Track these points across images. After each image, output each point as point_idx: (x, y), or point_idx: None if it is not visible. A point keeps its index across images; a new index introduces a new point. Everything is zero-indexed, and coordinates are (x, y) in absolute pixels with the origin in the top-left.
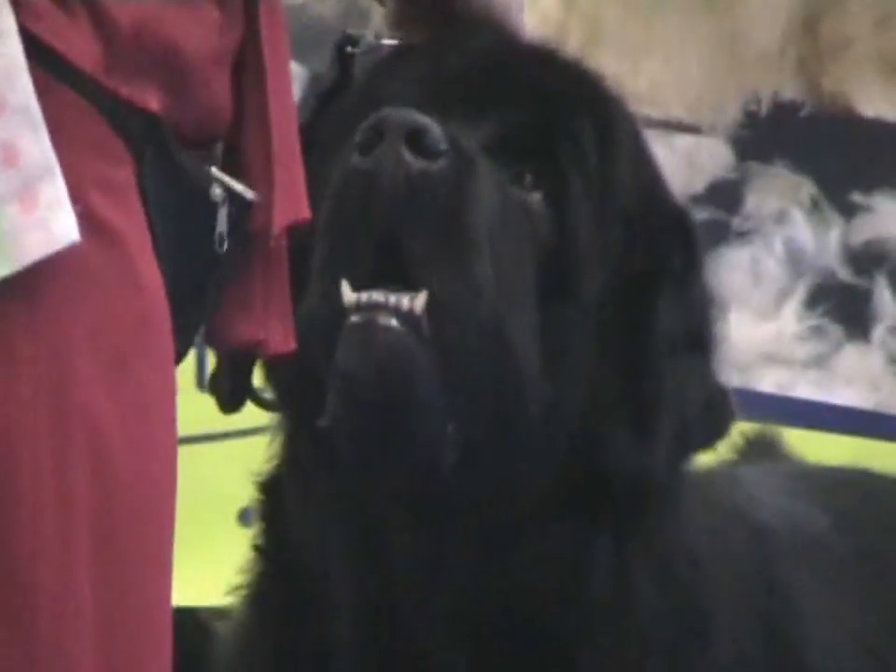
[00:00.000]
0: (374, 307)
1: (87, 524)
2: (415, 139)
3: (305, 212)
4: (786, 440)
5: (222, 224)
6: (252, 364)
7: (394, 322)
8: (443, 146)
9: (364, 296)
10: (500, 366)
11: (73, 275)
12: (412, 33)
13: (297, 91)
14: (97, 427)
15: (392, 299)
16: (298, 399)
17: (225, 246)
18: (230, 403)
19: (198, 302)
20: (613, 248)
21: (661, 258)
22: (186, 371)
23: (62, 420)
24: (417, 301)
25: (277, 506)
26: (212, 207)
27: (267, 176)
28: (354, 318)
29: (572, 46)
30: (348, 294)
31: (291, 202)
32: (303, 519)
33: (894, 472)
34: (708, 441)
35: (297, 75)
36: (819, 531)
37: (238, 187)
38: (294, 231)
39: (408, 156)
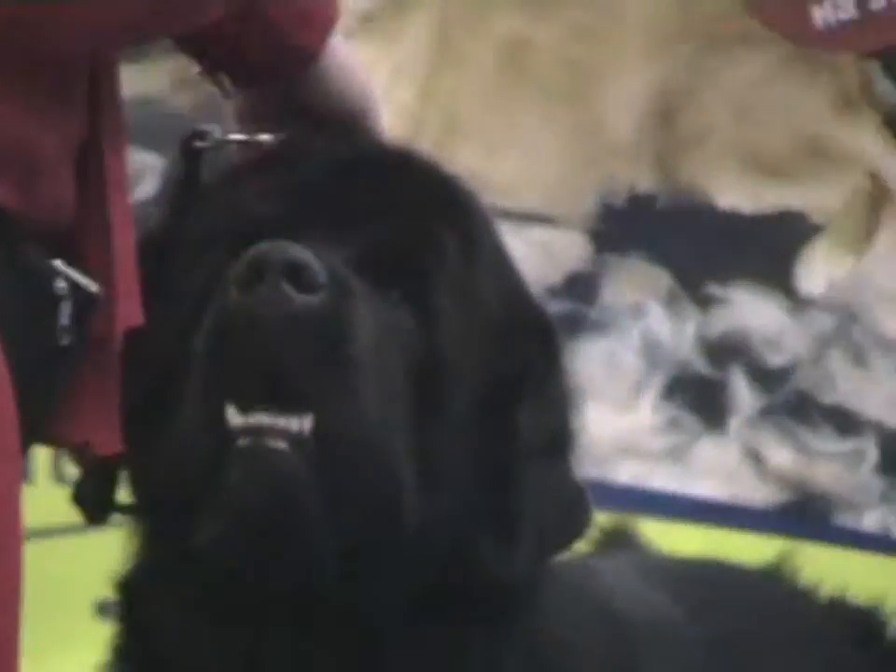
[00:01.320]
0: (263, 430)
1: None
2: (295, 274)
3: (140, 316)
4: (642, 531)
5: (65, 318)
6: (115, 475)
7: (283, 445)
8: (322, 279)
9: (252, 419)
10: (380, 481)
11: None
12: (261, 128)
13: (153, 181)
14: None
15: (281, 421)
16: (169, 512)
17: (67, 340)
18: (95, 515)
19: (42, 398)
20: (479, 355)
21: (523, 363)
22: (42, 463)
23: None
24: (305, 424)
25: (137, 606)
26: (55, 300)
27: (107, 278)
28: (242, 442)
29: (429, 137)
30: (235, 417)
31: (131, 303)
32: (166, 623)
33: (749, 563)
34: (567, 542)
35: (153, 165)
36: (673, 620)
37: (81, 280)
38: (150, 341)
39: (289, 291)
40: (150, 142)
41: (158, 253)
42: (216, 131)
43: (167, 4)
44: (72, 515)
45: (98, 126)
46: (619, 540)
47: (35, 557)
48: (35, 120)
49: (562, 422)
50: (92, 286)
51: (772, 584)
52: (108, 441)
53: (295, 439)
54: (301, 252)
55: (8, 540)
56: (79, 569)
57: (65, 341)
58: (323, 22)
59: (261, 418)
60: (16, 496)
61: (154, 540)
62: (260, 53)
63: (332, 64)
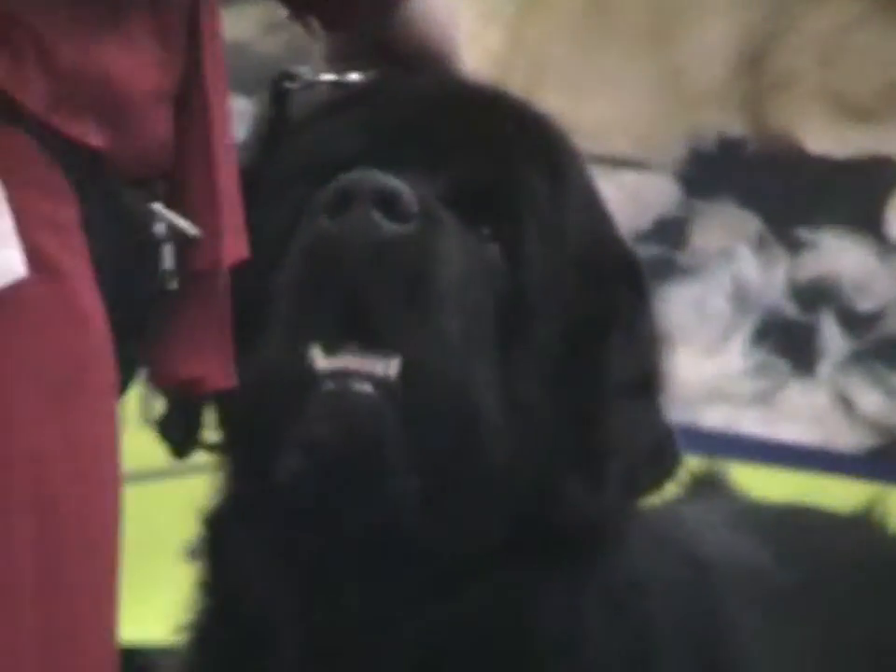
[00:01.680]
0: (348, 374)
1: (30, 563)
2: (387, 203)
3: (247, 251)
4: (731, 476)
5: (168, 261)
6: (202, 408)
7: (368, 389)
8: (414, 208)
9: (338, 362)
10: (467, 423)
11: (16, 311)
12: (349, 69)
13: (244, 126)
14: (41, 464)
15: (367, 364)
16: (251, 447)
17: (173, 283)
18: (180, 448)
19: (140, 338)
20: (566, 295)
21: (611, 302)
22: (130, 409)
23: (4, 459)
24: (391, 367)
25: (221, 542)
26: (155, 244)
27: (212, 214)
28: (328, 385)
29: (517, 82)
30: (320, 359)
31: (238, 239)
32: (249, 559)
33: (838, 508)
34: (655, 484)
35: (244, 110)
36: (760, 565)
37: (182, 223)
38: (238, 274)
39: (379, 220)
40: (241, 86)
41: (247, 190)
42: (305, 72)
43: None
44: (162, 459)
45: (199, 63)
46: (707, 485)
47: (127, 501)
48: (128, 58)
49: (650, 362)
50: (192, 229)
51: (860, 530)
52: (223, 374)
53: (381, 382)
54: (391, 181)
55: (106, 488)
56: (170, 513)
57: (171, 284)
58: None
59: (347, 360)
60: (114, 441)
61: (237, 476)
62: None
63: (418, 7)
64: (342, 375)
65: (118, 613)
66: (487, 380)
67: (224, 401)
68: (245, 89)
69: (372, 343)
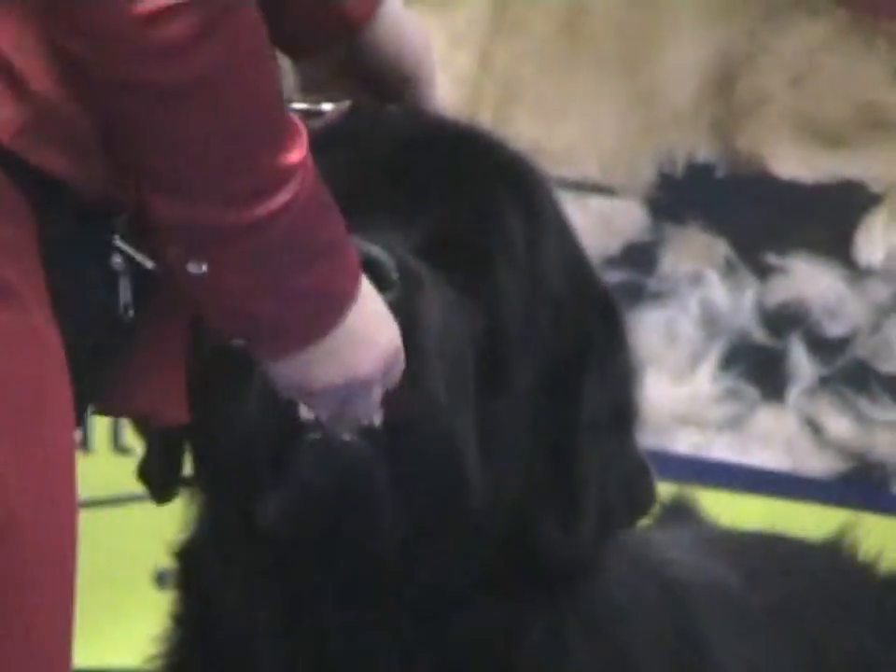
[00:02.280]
0: (334, 423)
1: None
2: (367, 272)
3: None
4: (701, 502)
5: (125, 293)
6: (182, 453)
7: (353, 437)
8: (394, 276)
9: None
10: (448, 468)
11: None
12: (322, 97)
13: None
14: None
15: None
16: (229, 486)
17: (130, 315)
18: (162, 493)
19: (95, 368)
20: (543, 337)
21: (586, 339)
22: (101, 432)
23: None
24: (376, 418)
25: (196, 575)
26: (113, 275)
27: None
28: (313, 434)
29: (486, 105)
30: (306, 411)
31: None
32: (226, 591)
33: (808, 533)
34: (632, 518)
35: None
36: (731, 587)
37: (138, 257)
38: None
39: None
40: None
41: None
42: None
43: None
44: (131, 484)
45: None
46: (677, 512)
47: (94, 526)
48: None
49: (626, 397)
50: (149, 263)
51: (831, 557)
52: (174, 410)
53: (365, 430)
54: (373, 250)
55: (62, 510)
56: (138, 538)
57: (128, 317)
58: None
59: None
60: (71, 465)
61: (216, 512)
62: (307, 21)
63: (388, 29)
64: (327, 424)
65: (72, 638)
66: (468, 428)
67: (203, 440)
68: None
69: None
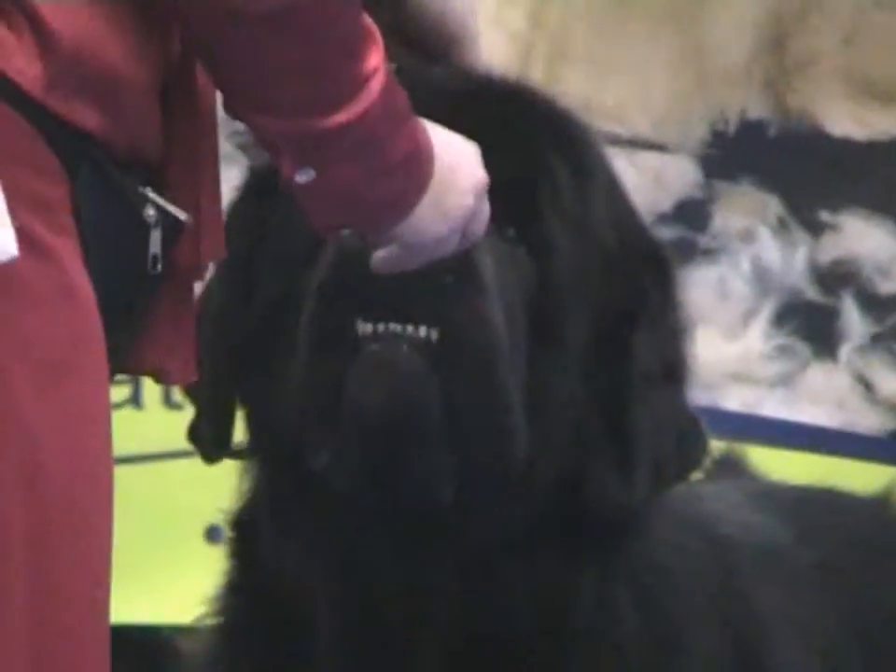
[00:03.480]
0: (392, 337)
1: (21, 536)
2: None
3: (224, 249)
4: (752, 458)
5: (156, 245)
6: (232, 415)
7: (409, 349)
8: None
9: (381, 326)
10: (496, 403)
11: (6, 290)
12: None
13: None
14: (31, 439)
15: (409, 329)
16: (284, 445)
17: (159, 268)
18: (212, 454)
19: (128, 322)
20: (594, 290)
21: (638, 293)
22: (152, 389)
23: None
24: (433, 334)
25: (251, 543)
26: (144, 228)
27: (193, 207)
28: (372, 346)
29: (538, 63)
30: (363, 325)
31: (216, 236)
32: (285, 557)
33: (858, 491)
34: (684, 471)
35: None
36: (781, 544)
37: (171, 208)
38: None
39: None
40: None
41: (266, 189)
42: None
43: None
44: (182, 440)
45: (191, 59)
46: (728, 468)
47: (145, 481)
48: (121, 49)
49: (676, 353)
50: (182, 214)
51: (879, 512)
52: (183, 370)
53: (422, 344)
54: None
55: (96, 465)
56: (190, 494)
57: (156, 269)
58: None
59: (390, 325)
60: (106, 421)
61: (270, 476)
62: None
63: None
64: (385, 337)
65: (109, 592)
66: (516, 368)
67: (255, 403)
68: None
69: (415, 316)
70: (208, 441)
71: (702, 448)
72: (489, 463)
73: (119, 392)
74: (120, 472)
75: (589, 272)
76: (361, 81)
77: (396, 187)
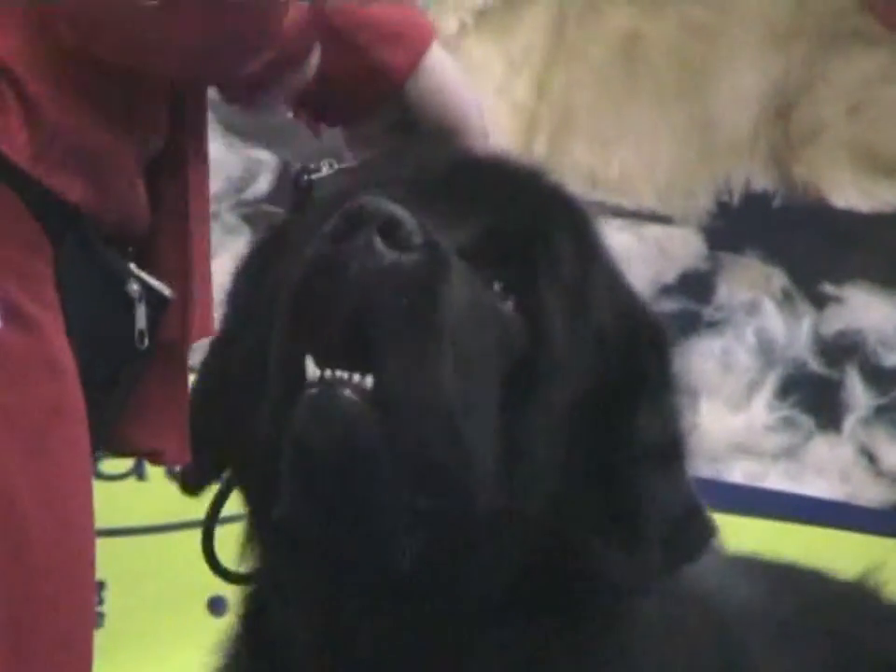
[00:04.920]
0: (335, 382)
1: (2, 606)
2: (389, 230)
3: (213, 327)
4: (751, 531)
5: (141, 321)
6: (214, 447)
7: (350, 394)
8: (417, 239)
9: (327, 372)
10: (452, 459)
11: None
12: (369, 149)
13: (269, 178)
14: (12, 506)
15: (356, 377)
16: (255, 488)
17: (146, 342)
18: (191, 484)
19: (114, 397)
20: (587, 361)
21: (638, 371)
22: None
23: None
24: (368, 380)
25: (248, 596)
26: (128, 302)
27: (182, 284)
28: (314, 390)
29: (543, 132)
30: (312, 369)
31: (206, 312)
32: (270, 607)
33: (861, 563)
34: (694, 550)
35: (268, 163)
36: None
37: (156, 283)
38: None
39: (380, 246)
40: (264, 140)
41: (275, 248)
42: (324, 165)
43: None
44: (185, 511)
45: (180, 138)
46: None
47: (148, 552)
48: (109, 130)
49: (676, 431)
50: (166, 290)
51: (858, 592)
52: (177, 449)
53: (364, 391)
54: (397, 209)
55: (79, 535)
56: (192, 565)
57: (143, 343)
58: (413, 43)
59: (336, 371)
60: (88, 491)
61: (252, 521)
62: (353, 87)
63: (429, 85)
64: (329, 383)
65: (91, 661)
66: (481, 424)
67: (234, 445)
68: (267, 142)
69: (358, 359)
70: (189, 472)
71: (709, 526)
72: (450, 516)
73: (121, 464)
74: (123, 544)
75: (581, 340)
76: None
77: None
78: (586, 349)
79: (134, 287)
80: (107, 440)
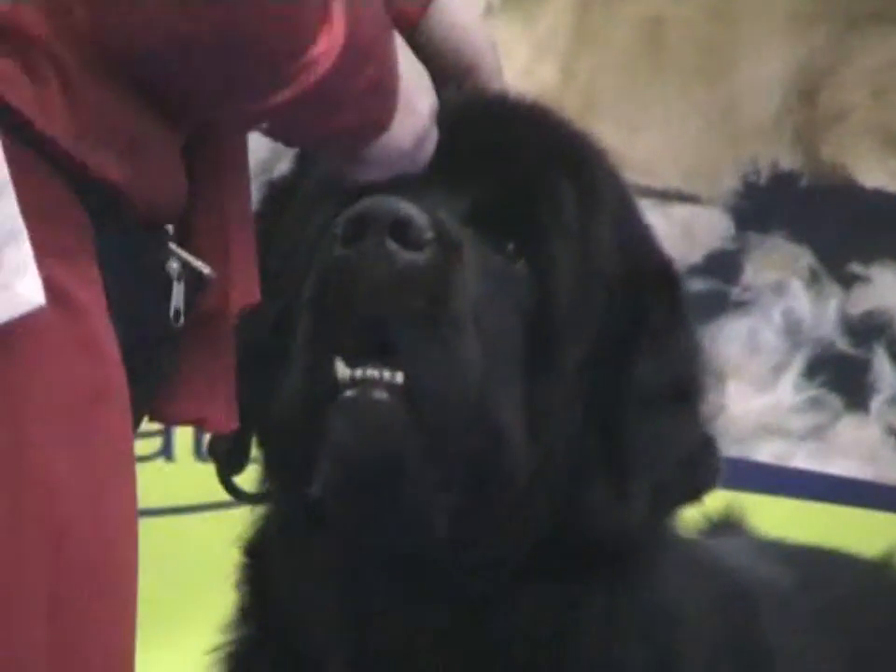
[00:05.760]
0: (368, 382)
1: (43, 590)
2: (400, 230)
3: (257, 294)
4: (780, 511)
5: (178, 299)
6: (250, 433)
7: (386, 396)
8: (428, 235)
9: (358, 372)
10: (486, 440)
11: (32, 341)
12: None
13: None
14: (53, 491)
15: (386, 374)
16: (287, 467)
17: (181, 322)
18: (229, 466)
19: (150, 375)
20: (595, 311)
21: (639, 313)
22: (184, 441)
23: (16, 483)
24: (398, 377)
25: (263, 569)
26: (167, 282)
27: (221, 257)
28: (348, 393)
29: (569, 115)
30: (342, 370)
31: (247, 283)
32: (292, 583)
33: (887, 543)
34: (690, 495)
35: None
36: (787, 591)
37: (195, 262)
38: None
39: (393, 248)
40: None
41: (282, 207)
42: None
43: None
44: (213, 492)
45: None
46: (726, 525)
47: (175, 534)
48: (142, 103)
49: (686, 372)
50: (205, 268)
51: (879, 573)
52: (223, 418)
53: (396, 390)
54: (406, 208)
55: (120, 518)
56: (220, 546)
57: (178, 322)
58: None
59: (366, 370)
60: (130, 473)
61: (280, 500)
62: None
63: (443, 23)
64: (361, 383)
65: (134, 646)
66: (508, 397)
67: (262, 423)
68: None
69: (386, 357)
70: (224, 453)
71: (712, 471)
72: (486, 494)
73: (150, 444)
74: (151, 525)
75: (591, 293)
76: (310, 66)
77: (361, 116)
78: (594, 300)
79: (174, 265)
80: (153, 413)
